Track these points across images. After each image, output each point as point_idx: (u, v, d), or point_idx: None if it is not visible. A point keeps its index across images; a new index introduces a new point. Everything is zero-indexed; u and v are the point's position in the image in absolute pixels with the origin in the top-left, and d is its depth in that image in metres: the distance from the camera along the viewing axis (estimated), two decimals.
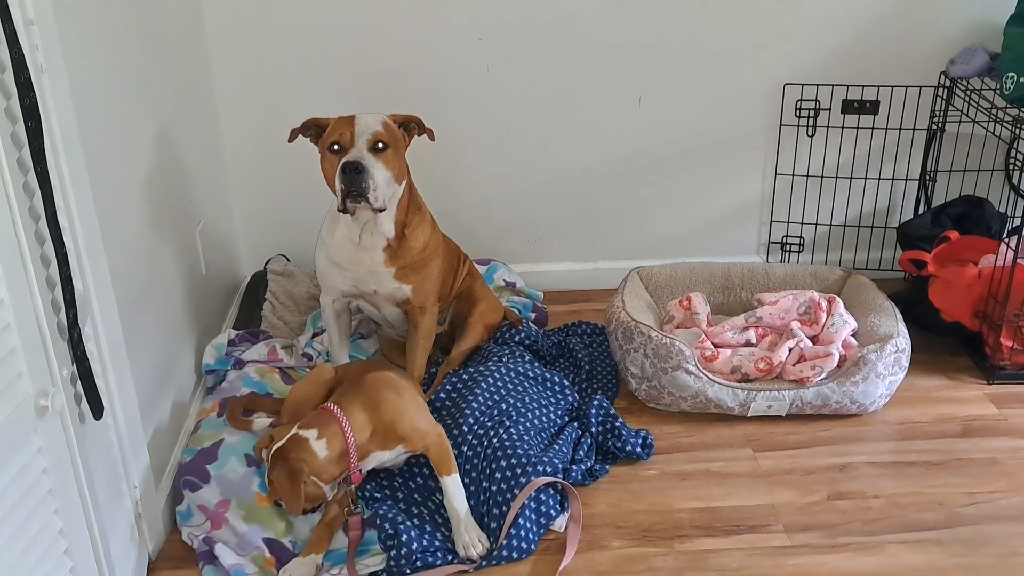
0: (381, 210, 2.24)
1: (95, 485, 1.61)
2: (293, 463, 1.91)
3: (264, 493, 2.09)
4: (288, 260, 3.12)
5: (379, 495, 2.16)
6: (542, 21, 2.88)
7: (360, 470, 2.03)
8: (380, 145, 2.20)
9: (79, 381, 1.57)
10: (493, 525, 2.05)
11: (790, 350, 2.54)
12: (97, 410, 1.60)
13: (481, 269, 3.00)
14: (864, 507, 2.17)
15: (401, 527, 1.98)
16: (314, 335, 2.71)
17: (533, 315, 2.97)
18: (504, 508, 2.05)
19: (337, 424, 1.98)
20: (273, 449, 1.95)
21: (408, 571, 1.94)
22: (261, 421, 2.25)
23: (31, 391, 1.39)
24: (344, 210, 2.22)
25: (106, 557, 1.65)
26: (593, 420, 2.39)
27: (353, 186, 2.15)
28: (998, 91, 2.70)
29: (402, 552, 1.94)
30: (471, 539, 2.00)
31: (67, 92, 1.63)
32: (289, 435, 1.96)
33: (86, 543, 1.57)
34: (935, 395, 2.61)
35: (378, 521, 2.03)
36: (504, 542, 2.01)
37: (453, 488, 2.04)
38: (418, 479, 2.19)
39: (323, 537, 2.01)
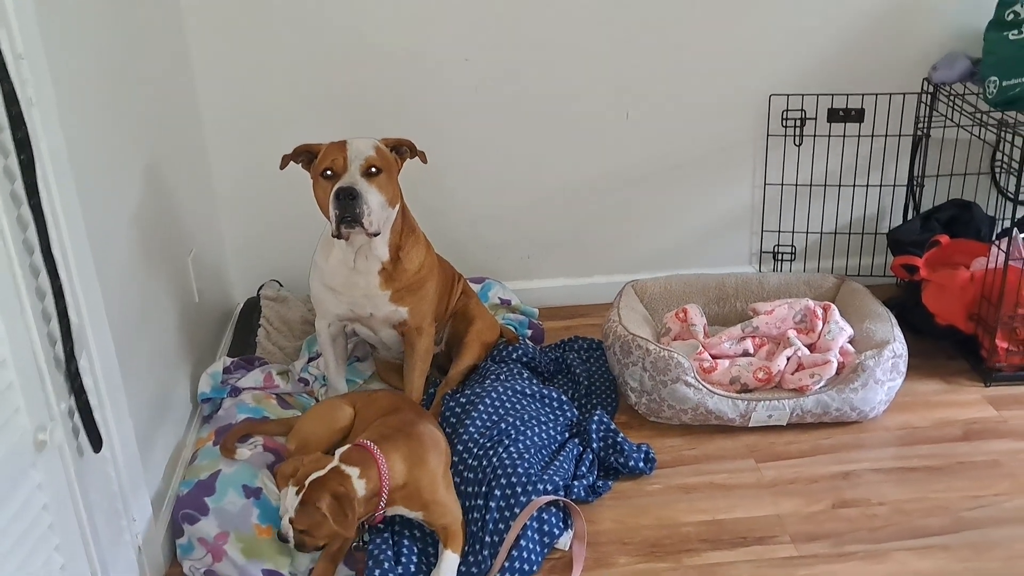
0: (376, 234, 2.23)
1: (95, 519, 1.58)
2: (339, 489, 1.88)
3: (263, 524, 2.07)
4: (281, 285, 3.10)
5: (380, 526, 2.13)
6: (528, 40, 2.90)
7: (384, 514, 2.01)
8: (373, 170, 2.19)
9: (77, 414, 1.55)
10: (493, 549, 2.02)
11: (788, 359, 2.54)
12: (96, 443, 1.58)
13: (475, 288, 2.99)
14: (869, 515, 2.16)
15: (379, 572, 1.95)
16: (310, 359, 2.70)
17: (529, 332, 2.96)
18: (504, 527, 2.04)
19: (376, 467, 1.96)
20: (312, 478, 1.90)
21: None
22: (243, 451, 2.22)
23: (29, 426, 1.37)
24: (338, 235, 2.21)
25: None
26: (594, 436, 2.38)
27: (347, 212, 2.14)
28: (981, 95, 2.73)
29: None
30: None
31: (57, 126, 1.62)
32: (330, 467, 1.93)
33: None
34: (934, 399, 2.61)
35: (368, 560, 2.00)
36: (506, 564, 1.99)
37: (449, 564, 1.98)
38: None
39: (327, 572, 1.98)
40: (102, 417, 1.72)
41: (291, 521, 1.89)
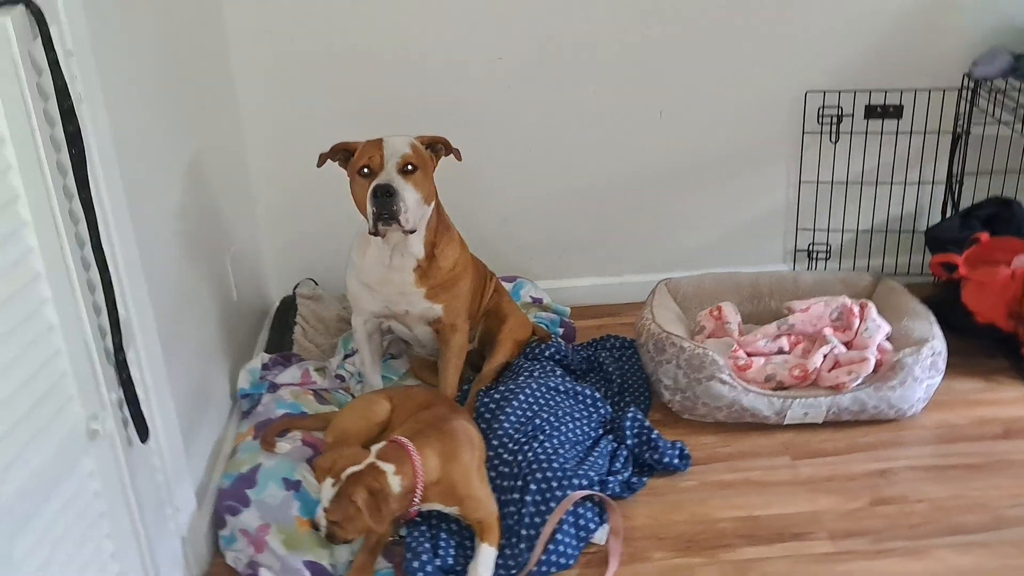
0: (412, 231, 2.26)
1: (144, 508, 1.62)
2: (374, 484, 1.91)
3: (304, 517, 2.09)
4: (316, 284, 3.14)
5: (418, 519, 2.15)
6: (561, 38, 2.91)
7: (419, 510, 2.03)
8: (409, 167, 2.22)
9: (125, 405, 1.58)
10: (529, 542, 2.03)
11: (824, 356, 2.52)
12: (143, 433, 1.62)
13: (507, 287, 3.00)
14: (908, 512, 2.15)
15: (415, 564, 1.97)
16: (345, 356, 2.73)
17: (561, 330, 2.97)
18: (540, 521, 2.05)
19: (411, 464, 1.98)
20: (348, 473, 1.92)
21: None
22: (283, 445, 2.25)
23: (82, 415, 1.41)
24: (375, 233, 2.24)
25: None
26: (628, 433, 2.38)
27: (384, 209, 2.17)
28: (1022, 91, 2.69)
29: None
30: None
31: (105, 122, 1.66)
32: (366, 463, 1.95)
33: (137, 566, 1.58)
34: (973, 398, 2.58)
35: (406, 552, 2.02)
36: (543, 557, 2.00)
37: (486, 558, 1.99)
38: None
39: (366, 564, 2.00)
40: (147, 408, 1.75)
41: (325, 512, 1.92)
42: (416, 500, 1.99)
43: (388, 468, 1.95)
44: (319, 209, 3.01)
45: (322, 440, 2.33)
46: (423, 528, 2.06)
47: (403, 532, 2.09)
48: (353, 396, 2.59)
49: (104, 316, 1.54)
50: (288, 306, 3.04)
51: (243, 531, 2.08)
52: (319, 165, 2.34)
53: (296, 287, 3.10)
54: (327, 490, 1.93)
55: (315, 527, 1.97)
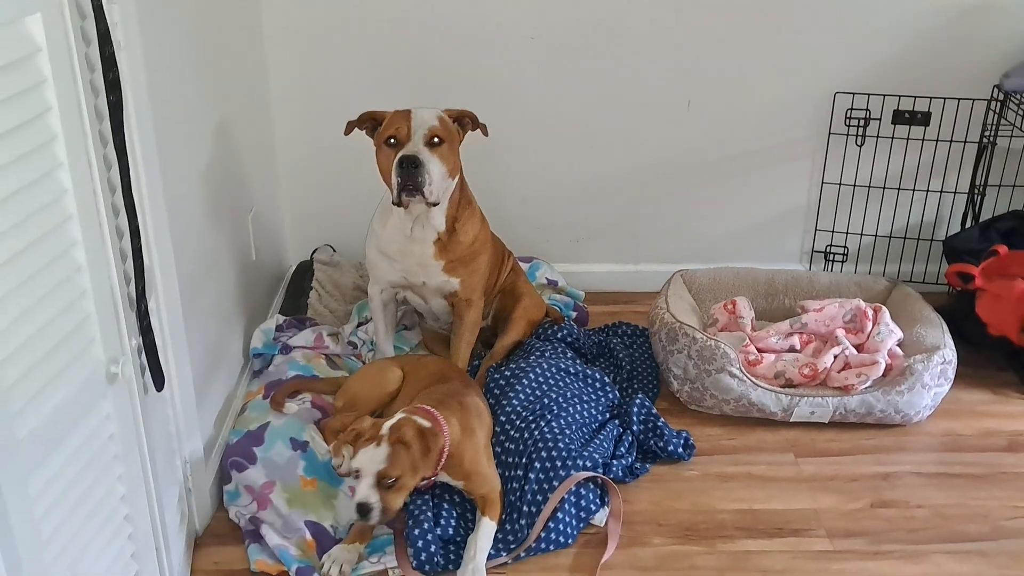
0: (435, 204, 2.27)
1: (155, 456, 1.64)
2: (421, 425, 1.92)
3: (308, 477, 2.12)
4: (334, 251, 3.15)
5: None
6: (594, 22, 2.90)
7: (436, 479, 2.05)
8: (436, 140, 2.23)
9: (143, 353, 1.60)
10: (530, 519, 2.05)
11: (835, 357, 2.53)
12: (159, 382, 1.64)
13: (524, 267, 3.01)
14: (908, 516, 2.16)
15: (416, 532, 1.98)
16: (359, 324, 2.75)
17: (574, 314, 2.98)
18: (542, 499, 2.06)
19: (441, 431, 1.98)
20: (389, 425, 1.92)
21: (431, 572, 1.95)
22: (291, 406, 2.27)
23: (103, 358, 1.42)
24: (399, 203, 2.25)
25: (162, 527, 1.68)
26: (635, 419, 2.39)
27: (409, 180, 2.18)
28: None
29: (421, 558, 1.94)
30: None
31: (142, 71, 1.67)
32: (400, 417, 1.95)
33: (144, 512, 1.60)
34: (980, 409, 2.59)
35: (408, 519, 2.03)
36: (542, 535, 2.02)
37: (486, 531, 2.00)
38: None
39: (367, 528, 2.02)
40: (164, 359, 1.77)
41: (381, 475, 1.87)
42: (440, 468, 2.00)
43: (423, 423, 1.95)
44: (342, 176, 3.03)
45: (332, 403, 2.35)
46: (426, 497, 2.08)
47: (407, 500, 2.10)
48: (364, 363, 2.61)
49: (129, 263, 1.55)
50: (305, 270, 3.05)
51: (248, 487, 2.10)
52: (346, 133, 2.35)
53: (314, 252, 3.12)
54: (370, 453, 1.87)
55: (364, 512, 1.87)
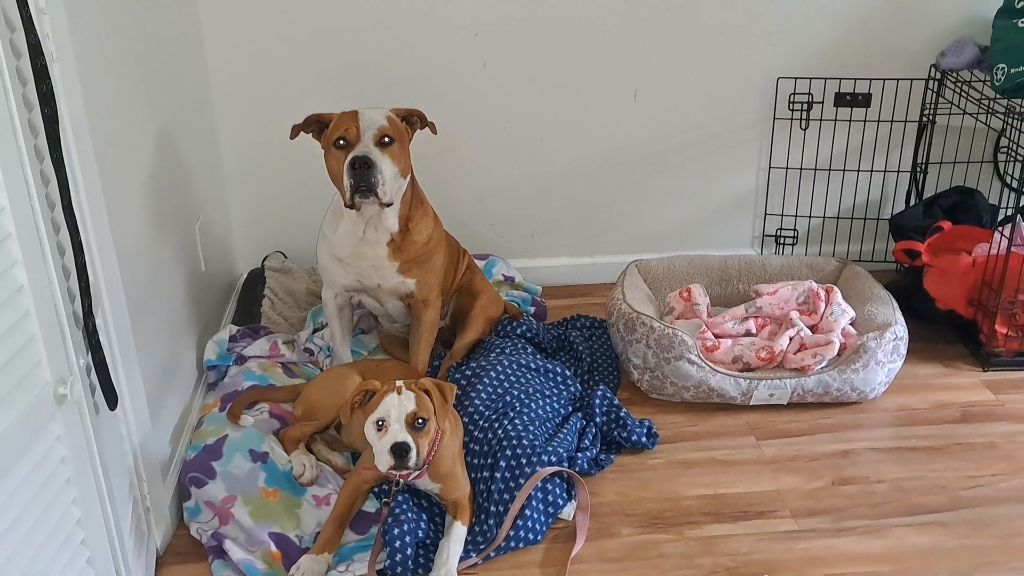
0: (388, 204, 2.24)
1: (110, 477, 1.60)
2: (438, 381, 1.95)
3: (270, 488, 2.09)
4: (285, 257, 3.11)
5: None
6: (538, 16, 2.90)
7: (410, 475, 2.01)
8: (386, 139, 2.20)
9: (93, 371, 1.56)
10: (498, 518, 2.04)
11: (790, 339, 2.56)
12: (112, 400, 1.59)
13: (480, 264, 3.00)
14: (868, 492, 2.19)
15: (396, 532, 1.95)
16: (315, 330, 2.71)
17: (532, 309, 2.98)
18: (509, 497, 2.06)
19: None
20: (402, 382, 1.93)
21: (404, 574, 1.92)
22: (247, 418, 2.23)
23: (50, 379, 1.38)
24: (351, 206, 2.22)
25: (121, 549, 1.63)
26: (597, 410, 2.40)
27: (362, 181, 2.15)
28: (988, 83, 2.74)
29: (396, 559, 1.92)
30: None
31: (76, 83, 1.63)
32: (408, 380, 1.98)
33: (102, 534, 1.56)
34: (932, 382, 2.64)
35: (388, 517, 2.01)
36: (511, 533, 2.02)
37: (458, 535, 1.99)
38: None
39: (335, 535, 1.99)
40: (115, 376, 1.72)
41: (411, 416, 1.87)
42: (430, 459, 1.98)
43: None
44: (289, 181, 2.99)
45: (290, 412, 2.32)
46: (407, 495, 2.06)
47: (388, 499, 2.06)
48: (322, 370, 2.58)
49: (73, 280, 1.51)
50: (256, 278, 3.00)
51: (208, 503, 2.06)
52: (292, 137, 2.31)
53: (265, 259, 3.07)
54: (395, 400, 1.88)
55: (404, 451, 1.85)
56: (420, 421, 1.89)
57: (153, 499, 1.95)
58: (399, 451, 1.86)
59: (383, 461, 1.89)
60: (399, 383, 1.93)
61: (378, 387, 1.93)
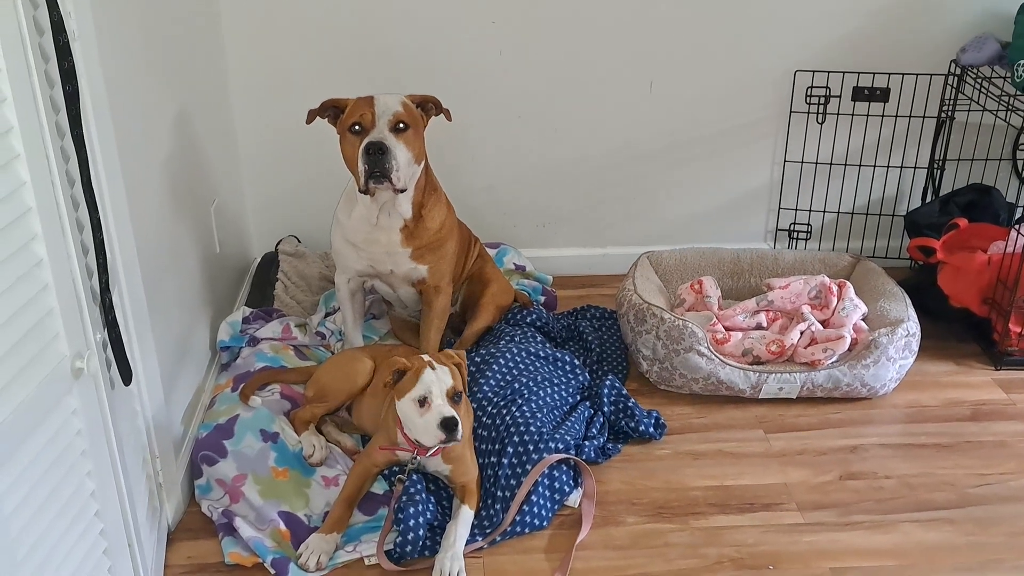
0: (402, 190, 2.25)
1: (124, 451, 1.62)
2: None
3: (280, 467, 2.11)
4: (299, 241, 3.13)
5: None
6: (555, 6, 2.90)
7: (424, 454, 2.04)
8: (401, 125, 2.21)
9: (109, 347, 1.58)
10: (505, 503, 2.06)
11: (801, 333, 2.56)
12: (126, 376, 1.61)
13: (491, 252, 3.01)
14: (876, 487, 2.20)
15: (411, 511, 1.97)
16: (327, 314, 2.73)
17: (542, 298, 2.99)
18: (515, 483, 2.07)
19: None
20: (428, 358, 1.99)
21: (412, 554, 1.94)
22: (255, 399, 2.25)
23: (67, 352, 1.40)
24: (365, 191, 2.23)
25: (133, 523, 1.66)
26: (605, 400, 2.41)
27: (376, 167, 2.16)
28: (1009, 79, 2.73)
29: (408, 537, 1.94)
30: (451, 569, 1.90)
31: (97, 61, 1.64)
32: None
33: (116, 508, 1.58)
34: (944, 380, 2.64)
35: (402, 496, 2.03)
36: (517, 518, 2.03)
37: (465, 519, 2.01)
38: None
39: (344, 515, 2.01)
40: (130, 353, 1.74)
41: (451, 391, 1.94)
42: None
43: None
44: (305, 166, 3.00)
45: (301, 393, 2.34)
46: (420, 476, 2.08)
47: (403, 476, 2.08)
48: (333, 353, 2.60)
49: (91, 256, 1.52)
50: (270, 262, 3.02)
51: (219, 481, 2.09)
52: (308, 122, 2.32)
53: (279, 243, 3.09)
54: (436, 375, 1.94)
55: (452, 427, 1.91)
56: (458, 395, 1.96)
57: (165, 475, 1.98)
58: (449, 425, 1.92)
59: (431, 436, 1.94)
60: (425, 358, 1.97)
61: (408, 365, 1.96)
